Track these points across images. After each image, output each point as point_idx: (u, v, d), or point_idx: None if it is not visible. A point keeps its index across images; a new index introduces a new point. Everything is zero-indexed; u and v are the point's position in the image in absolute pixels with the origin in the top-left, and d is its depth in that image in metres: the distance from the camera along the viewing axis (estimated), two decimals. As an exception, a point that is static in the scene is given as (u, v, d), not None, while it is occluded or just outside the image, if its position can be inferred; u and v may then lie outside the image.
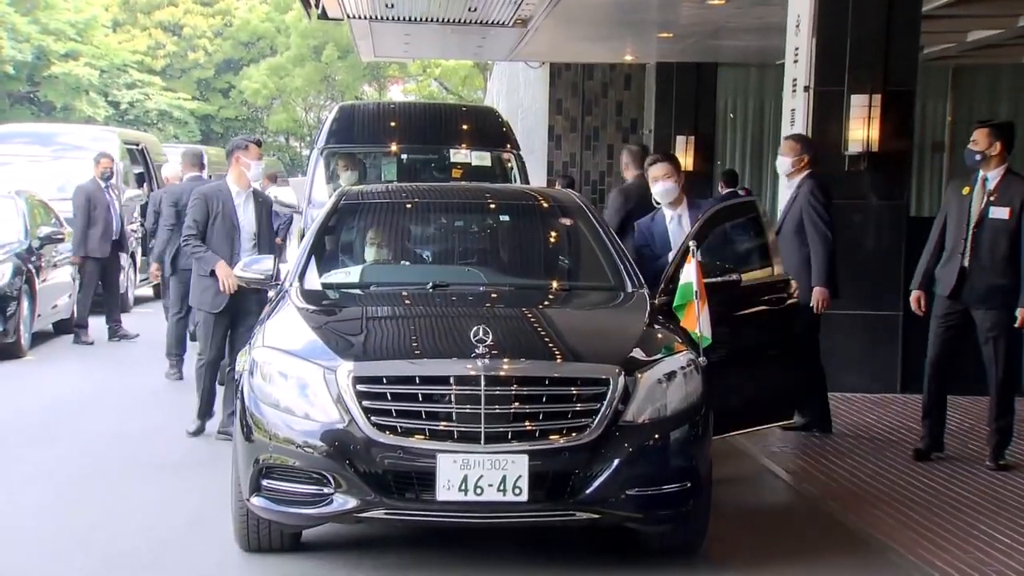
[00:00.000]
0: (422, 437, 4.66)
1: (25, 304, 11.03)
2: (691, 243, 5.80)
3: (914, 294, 7.19)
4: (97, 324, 12.00)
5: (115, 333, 12.04)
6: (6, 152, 15.24)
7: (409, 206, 6.86)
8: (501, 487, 4.62)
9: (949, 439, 7.73)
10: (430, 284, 5.76)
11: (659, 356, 5.07)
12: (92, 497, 6.25)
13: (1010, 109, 16.44)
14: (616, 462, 4.72)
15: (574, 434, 4.70)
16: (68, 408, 8.73)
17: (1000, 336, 6.86)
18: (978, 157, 6.87)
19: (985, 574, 5.12)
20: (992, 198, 6.83)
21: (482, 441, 4.63)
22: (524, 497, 4.64)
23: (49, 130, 18.56)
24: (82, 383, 9.84)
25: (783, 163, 7.51)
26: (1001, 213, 6.79)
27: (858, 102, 9.24)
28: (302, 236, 8.55)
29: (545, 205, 6.84)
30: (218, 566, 5.11)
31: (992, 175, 6.87)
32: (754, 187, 16.92)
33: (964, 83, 16.63)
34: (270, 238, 7.80)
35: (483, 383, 4.67)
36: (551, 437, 4.69)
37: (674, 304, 5.84)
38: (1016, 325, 6.76)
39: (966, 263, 6.87)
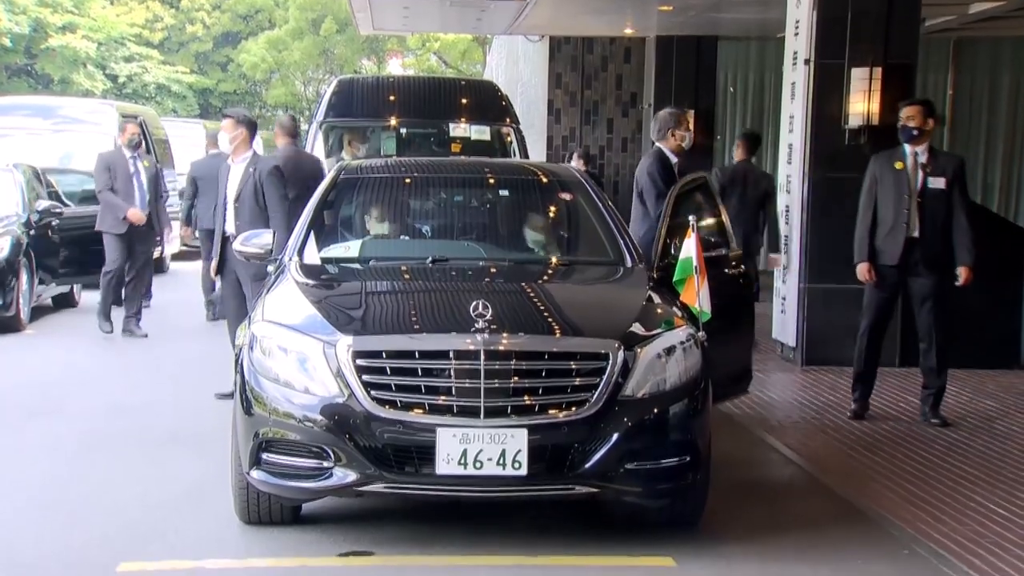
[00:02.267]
0: (421, 411, 4.66)
1: (24, 278, 11.03)
2: (691, 217, 5.80)
3: (863, 266, 7.54)
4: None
5: (127, 327, 10.75)
6: (7, 125, 15.23)
7: (408, 181, 6.84)
8: (500, 461, 4.63)
9: (948, 412, 7.76)
10: (429, 259, 5.76)
11: (659, 331, 5.07)
12: (92, 470, 6.27)
13: (1012, 81, 16.40)
14: (615, 436, 4.73)
15: (573, 408, 4.71)
16: (68, 382, 8.75)
17: (940, 298, 7.40)
18: (915, 132, 7.35)
19: (982, 546, 5.15)
20: (928, 170, 7.34)
21: (481, 415, 4.64)
22: (523, 471, 4.65)
23: (50, 103, 18.51)
24: (81, 357, 9.85)
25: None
26: (939, 184, 7.33)
27: (859, 75, 9.22)
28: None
29: (544, 180, 6.83)
30: (218, 538, 5.13)
31: (921, 150, 7.39)
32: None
33: (965, 56, 16.56)
34: (254, 205, 7.84)
35: (482, 357, 4.67)
36: (550, 411, 4.69)
37: (674, 279, 5.85)
38: (960, 283, 7.32)
39: (915, 233, 7.33)
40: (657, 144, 7.82)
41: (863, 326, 7.67)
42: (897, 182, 7.37)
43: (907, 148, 7.41)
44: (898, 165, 7.39)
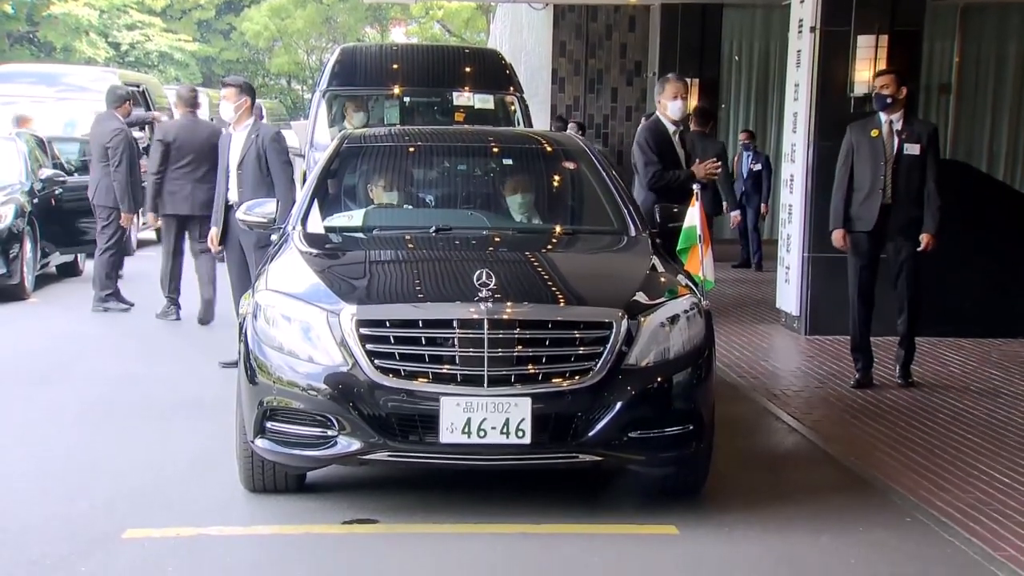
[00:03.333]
0: (425, 380, 4.67)
1: (28, 246, 11.03)
2: (695, 187, 5.80)
3: (838, 233, 7.70)
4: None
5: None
6: (11, 92, 15.22)
7: (412, 149, 6.83)
8: (504, 430, 4.64)
9: (952, 381, 7.77)
10: (433, 228, 5.75)
11: (662, 300, 5.07)
12: (96, 437, 6.29)
13: (1018, 49, 16.27)
14: (619, 405, 4.74)
15: (577, 377, 4.71)
16: (72, 350, 8.77)
17: (914, 264, 7.56)
18: (889, 101, 7.49)
19: (985, 513, 5.16)
20: (903, 137, 7.49)
21: (485, 384, 4.65)
22: (527, 440, 4.66)
23: (54, 71, 18.47)
24: (86, 326, 9.86)
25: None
26: (913, 150, 7.48)
27: (864, 43, 9.18)
28: (304, 179, 8.60)
29: (548, 149, 6.81)
30: (223, 506, 5.16)
31: (895, 117, 7.53)
32: (758, 129, 16.83)
33: (972, 23, 16.42)
34: (257, 172, 7.85)
35: (486, 326, 4.67)
36: (554, 380, 4.70)
37: (677, 248, 5.85)
38: (920, 248, 7.49)
39: (888, 199, 7.47)
40: (656, 113, 7.80)
41: (851, 296, 7.81)
42: (873, 150, 7.54)
43: (882, 116, 7.57)
44: (874, 133, 7.56)
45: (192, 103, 10.00)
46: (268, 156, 7.87)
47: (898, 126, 7.52)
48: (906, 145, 7.47)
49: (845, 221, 7.64)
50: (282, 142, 8.06)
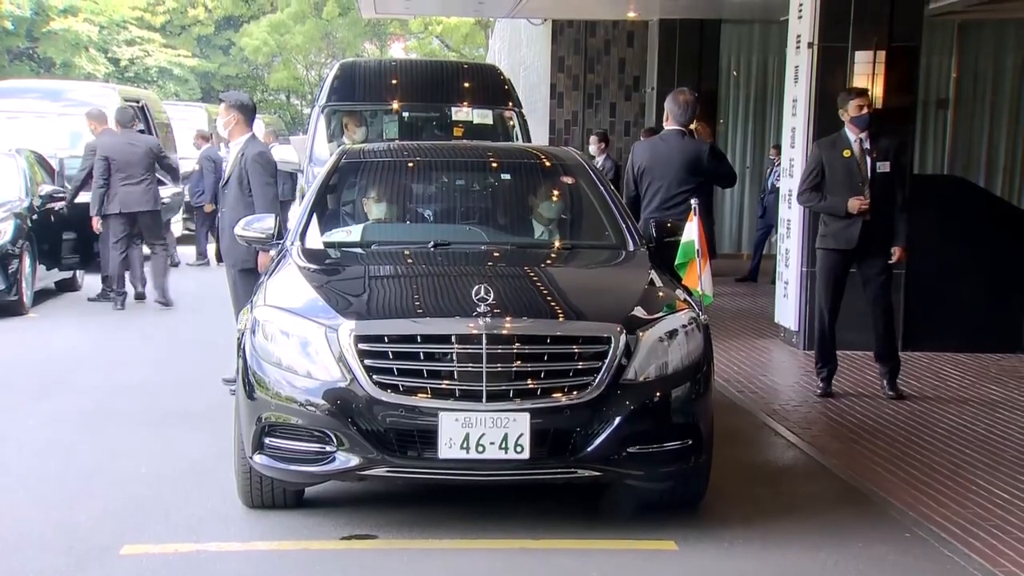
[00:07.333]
0: (424, 396, 4.67)
1: (27, 262, 11.04)
2: (692, 201, 5.81)
3: (855, 201, 7.52)
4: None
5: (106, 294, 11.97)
6: (17, 108, 15.28)
7: (411, 165, 6.84)
8: (503, 445, 4.64)
9: (950, 394, 7.77)
10: (431, 243, 5.76)
11: (661, 314, 5.08)
12: (95, 448, 6.29)
13: (1015, 63, 16.33)
14: (618, 420, 4.74)
15: (576, 392, 4.71)
16: (71, 362, 8.77)
17: (888, 280, 7.71)
18: (869, 120, 7.60)
19: (984, 529, 5.16)
20: (874, 156, 7.56)
21: (484, 399, 4.65)
22: (526, 455, 4.66)
23: (58, 86, 18.52)
24: (85, 339, 9.87)
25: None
26: (885, 167, 7.58)
27: (862, 58, 9.22)
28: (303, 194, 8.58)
29: (547, 164, 6.82)
30: (221, 520, 5.15)
31: (864, 136, 7.59)
32: (756, 145, 16.86)
33: (970, 38, 16.48)
34: (238, 191, 7.51)
35: (485, 342, 4.67)
36: (553, 395, 4.70)
37: (676, 262, 5.85)
38: (892, 260, 7.62)
39: (868, 217, 7.53)
40: (680, 127, 7.94)
41: (818, 311, 7.90)
42: (848, 170, 7.59)
43: (850, 135, 7.60)
44: (846, 153, 7.61)
45: (106, 121, 11.99)
46: (250, 176, 7.45)
47: (867, 144, 7.57)
48: (878, 164, 7.54)
49: (820, 238, 7.78)
50: (264, 161, 7.56)
